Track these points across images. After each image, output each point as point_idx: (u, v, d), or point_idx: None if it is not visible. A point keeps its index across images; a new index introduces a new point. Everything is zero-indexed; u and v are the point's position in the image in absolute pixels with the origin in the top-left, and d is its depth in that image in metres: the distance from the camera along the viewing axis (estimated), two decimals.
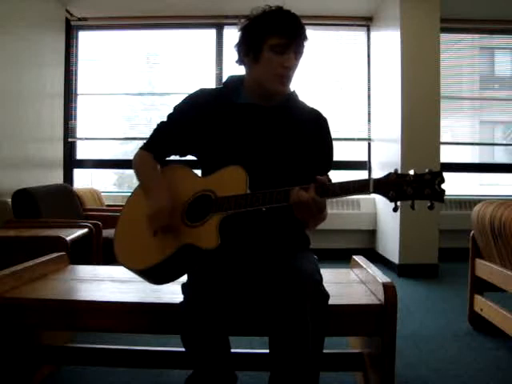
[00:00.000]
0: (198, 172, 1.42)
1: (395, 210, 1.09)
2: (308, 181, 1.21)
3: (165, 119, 1.47)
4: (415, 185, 1.07)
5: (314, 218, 1.23)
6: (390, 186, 1.09)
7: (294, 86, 1.46)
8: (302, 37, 1.32)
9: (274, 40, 1.29)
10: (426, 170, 1.07)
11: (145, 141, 1.48)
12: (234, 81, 1.45)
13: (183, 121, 1.42)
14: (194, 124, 1.40)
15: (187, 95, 1.46)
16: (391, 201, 1.09)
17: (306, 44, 1.35)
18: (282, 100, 1.42)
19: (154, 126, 1.48)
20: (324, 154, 1.43)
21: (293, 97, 1.45)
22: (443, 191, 1.05)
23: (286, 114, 1.41)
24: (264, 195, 1.20)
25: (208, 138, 1.39)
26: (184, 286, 1.26)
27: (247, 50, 1.35)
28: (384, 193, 1.10)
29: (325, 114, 1.47)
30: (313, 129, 1.41)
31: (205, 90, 1.47)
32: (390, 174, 1.10)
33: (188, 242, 1.23)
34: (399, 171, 1.10)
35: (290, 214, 1.24)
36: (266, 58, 1.31)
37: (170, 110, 1.47)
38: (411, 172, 1.08)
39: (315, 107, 1.48)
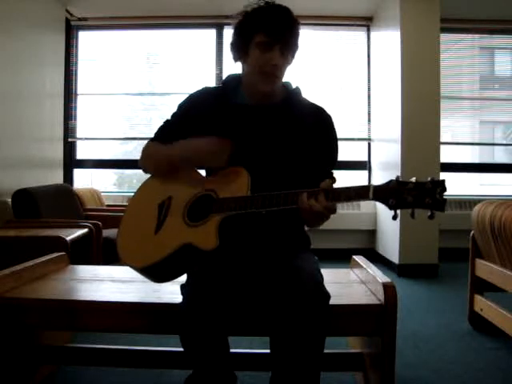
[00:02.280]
0: (201, 172, 1.42)
1: (394, 218, 1.07)
2: (311, 179, 1.21)
3: (169, 118, 1.47)
4: (416, 193, 1.05)
5: (322, 221, 1.24)
6: (390, 194, 1.07)
7: (296, 82, 1.45)
8: (290, 34, 1.30)
9: (259, 37, 1.29)
10: (428, 179, 1.05)
11: (147, 140, 1.48)
12: (233, 79, 1.45)
13: (185, 120, 1.42)
14: (195, 123, 1.40)
15: (191, 94, 1.47)
16: (391, 209, 1.07)
17: (297, 39, 1.33)
18: (283, 97, 1.41)
19: (158, 125, 1.48)
20: (327, 152, 1.41)
21: (294, 94, 1.43)
22: (444, 201, 1.03)
23: (287, 112, 1.39)
24: (265, 198, 1.19)
25: None
26: (183, 287, 1.25)
27: (238, 50, 1.36)
28: (384, 200, 1.08)
29: (328, 111, 1.43)
30: (315, 126, 1.38)
31: (207, 88, 1.47)
32: (390, 181, 1.08)
33: (188, 241, 1.23)
34: (400, 175, 1.08)
35: (290, 214, 1.23)
36: (252, 55, 1.31)
37: (175, 109, 1.47)
38: (413, 180, 1.07)
39: (318, 104, 1.44)
